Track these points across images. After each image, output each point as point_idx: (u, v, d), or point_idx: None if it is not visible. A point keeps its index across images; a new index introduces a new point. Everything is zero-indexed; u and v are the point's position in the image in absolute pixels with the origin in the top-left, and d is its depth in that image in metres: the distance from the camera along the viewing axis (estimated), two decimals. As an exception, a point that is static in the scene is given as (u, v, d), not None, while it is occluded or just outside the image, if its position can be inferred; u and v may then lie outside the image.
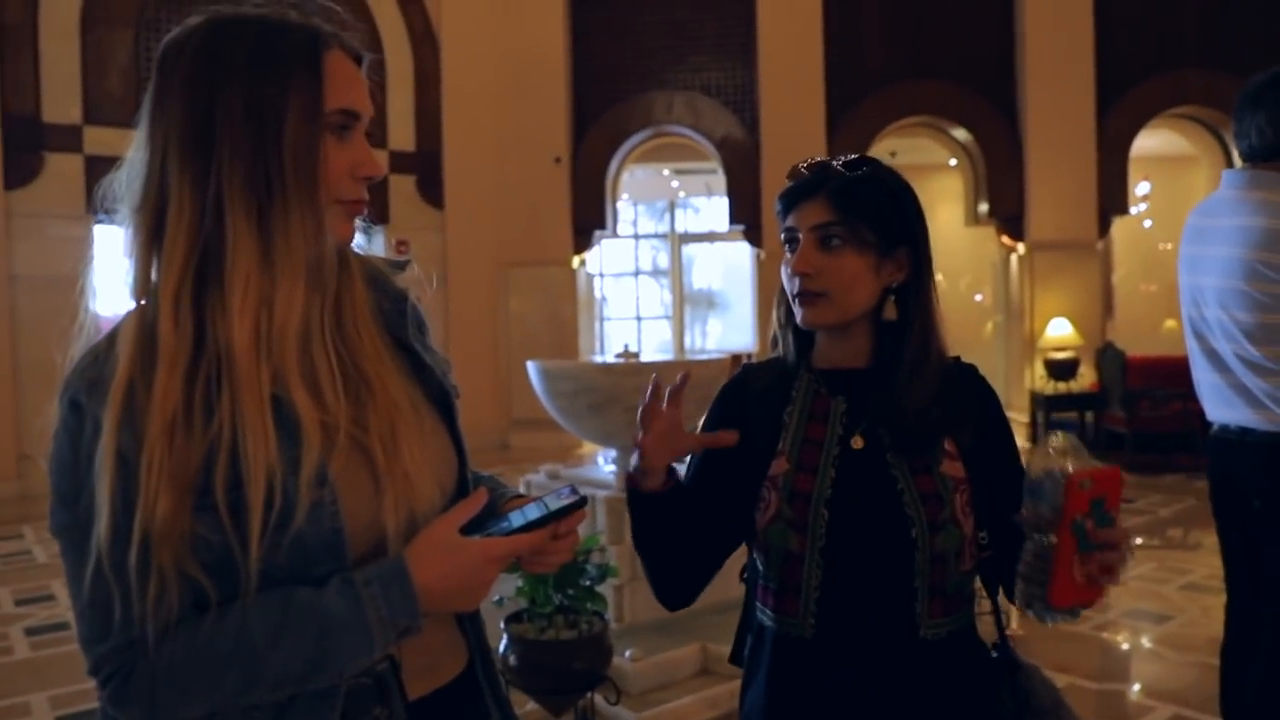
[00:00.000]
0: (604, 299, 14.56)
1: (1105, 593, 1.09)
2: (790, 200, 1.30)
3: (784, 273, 1.31)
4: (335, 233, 0.96)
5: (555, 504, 0.97)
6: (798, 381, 1.34)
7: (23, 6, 7.85)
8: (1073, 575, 1.05)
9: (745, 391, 1.37)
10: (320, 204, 0.92)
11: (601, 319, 13.66)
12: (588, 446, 8.93)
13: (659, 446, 1.23)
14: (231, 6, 0.96)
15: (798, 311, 1.30)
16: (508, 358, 9.26)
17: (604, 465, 4.45)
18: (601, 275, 14.07)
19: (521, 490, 4.17)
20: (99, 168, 8.00)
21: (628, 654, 3.27)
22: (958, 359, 1.34)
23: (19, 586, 5.23)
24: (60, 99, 8.01)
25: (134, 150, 0.94)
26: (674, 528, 1.29)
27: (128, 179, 0.94)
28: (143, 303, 0.91)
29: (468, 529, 0.94)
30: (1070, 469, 1.04)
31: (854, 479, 1.25)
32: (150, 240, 0.91)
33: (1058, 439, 1.08)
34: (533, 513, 0.96)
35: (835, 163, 1.29)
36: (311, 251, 0.92)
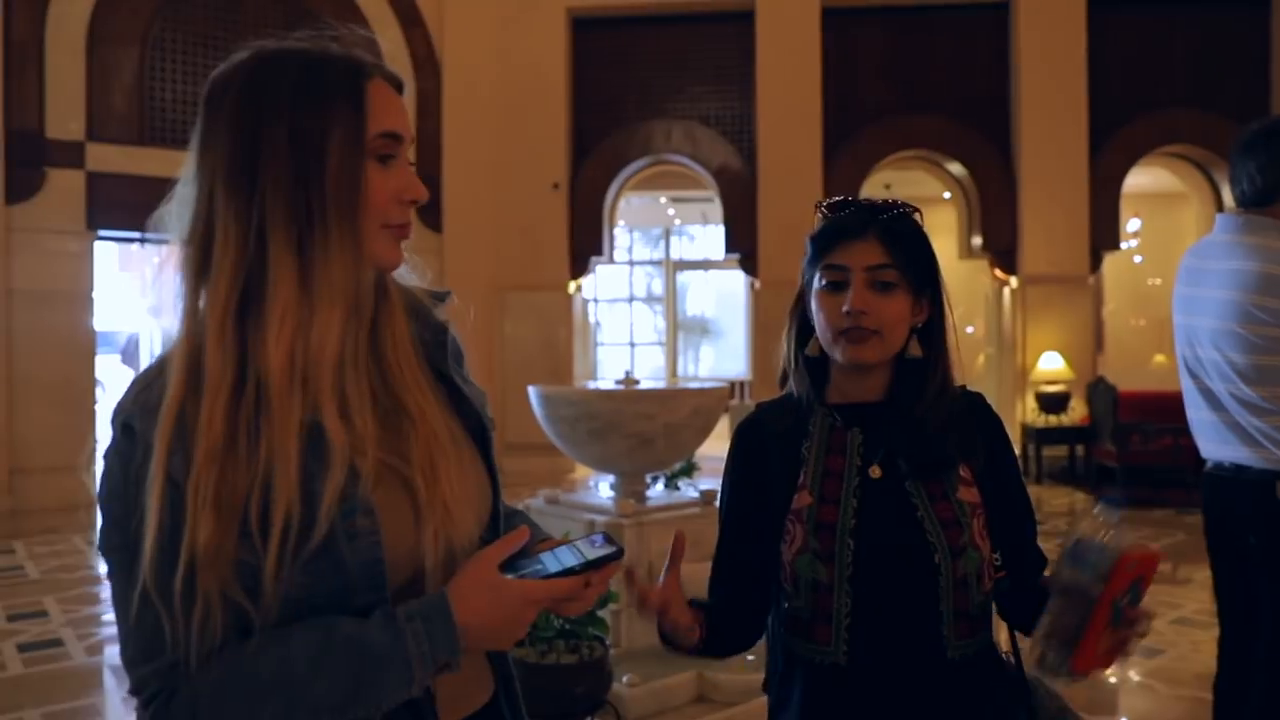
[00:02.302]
0: (598, 324, 14.60)
1: (1113, 664, 1.15)
2: (836, 238, 1.32)
3: (821, 308, 1.33)
4: (385, 257, 0.99)
5: (592, 553, 0.97)
6: (813, 417, 1.38)
7: (30, 23, 7.91)
8: (1098, 645, 1.10)
9: (762, 431, 1.41)
10: (361, 233, 0.94)
11: (596, 344, 13.69)
12: (581, 471, 8.94)
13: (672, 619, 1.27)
14: (275, 41, 0.98)
15: (841, 349, 1.31)
16: (502, 382, 9.29)
17: (600, 490, 4.46)
18: (596, 300, 14.12)
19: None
20: (100, 184, 8.05)
21: (625, 679, 3.28)
22: (963, 387, 1.39)
23: (11, 602, 5.21)
24: (64, 115, 8.05)
25: (182, 184, 0.96)
26: (723, 633, 1.37)
27: (178, 211, 0.96)
28: (191, 330, 0.93)
29: (502, 567, 0.95)
30: (1120, 546, 1.08)
31: (876, 508, 1.29)
32: (198, 271, 0.93)
33: (1103, 513, 1.12)
34: (569, 558, 0.97)
35: (877, 205, 1.34)
36: (350, 279, 0.94)
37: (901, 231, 1.31)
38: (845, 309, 1.29)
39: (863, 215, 1.32)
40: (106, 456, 0.92)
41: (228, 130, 0.93)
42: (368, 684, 0.88)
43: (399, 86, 1.01)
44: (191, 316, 0.93)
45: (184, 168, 0.97)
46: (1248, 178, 2.29)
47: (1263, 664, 2.30)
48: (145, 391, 0.92)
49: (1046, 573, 1.33)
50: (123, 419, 0.91)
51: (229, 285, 0.91)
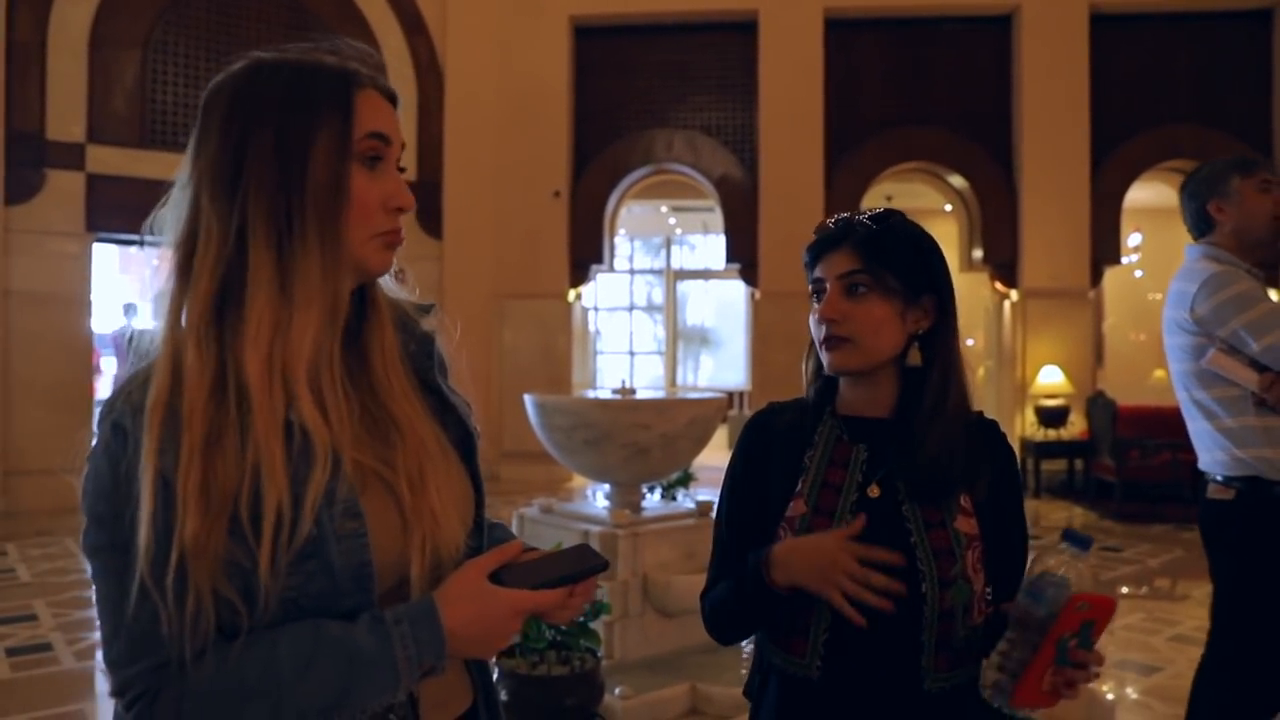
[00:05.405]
0: (598, 333, 14.60)
1: (1058, 702, 1.13)
2: (817, 251, 1.34)
3: (812, 321, 1.35)
4: (375, 264, 1.00)
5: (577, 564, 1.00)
6: (821, 426, 1.36)
7: (33, 24, 7.91)
8: (1041, 682, 1.10)
9: (769, 430, 1.40)
10: (341, 238, 0.95)
11: (595, 353, 13.68)
12: (578, 480, 8.92)
13: None
14: (270, 51, 0.99)
15: (824, 357, 1.33)
16: (500, 389, 9.27)
17: (596, 500, 4.44)
18: (596, 309, 14.12)
19: (514, 525, 4.14)
20: (100, 186, 8.04)
21: (617, 691, 3.25)
22: (980, 414, 1.36)
23: (1, 605, 5.17)
24: (64, 117, 8.05)
25: (178, 188, 0.98)
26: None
27: (172, 215, 0.97)
28: (174, 331, 0.93)
29: (489, 577, 0.97)
30: (1074, 587, 1.08)
31: (869, 527, 1.26)
32: (184, 271, 0.94)
33: (1067, 550, 1.10)
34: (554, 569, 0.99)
35: (861, 216, 1.34)
36: (328, 283, 0.95)
37: (878, 237, 1.31)
38: (817, 317, 1.32)
39: (841, 226, 1.34)
40: (93, 458, 0.92)
41: (218, 135, 0.95)
42: (353, 686, 0.89)
43: (393, 99, 1.02)
44: (175, 318, 0.94)
45: (179, 172, 0.98)
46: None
47: (1210, 652, 2.64)
48: (138, 391, 0.92)
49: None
50: (112, 419, 0.91)
51: (209, 284, 0.92)
